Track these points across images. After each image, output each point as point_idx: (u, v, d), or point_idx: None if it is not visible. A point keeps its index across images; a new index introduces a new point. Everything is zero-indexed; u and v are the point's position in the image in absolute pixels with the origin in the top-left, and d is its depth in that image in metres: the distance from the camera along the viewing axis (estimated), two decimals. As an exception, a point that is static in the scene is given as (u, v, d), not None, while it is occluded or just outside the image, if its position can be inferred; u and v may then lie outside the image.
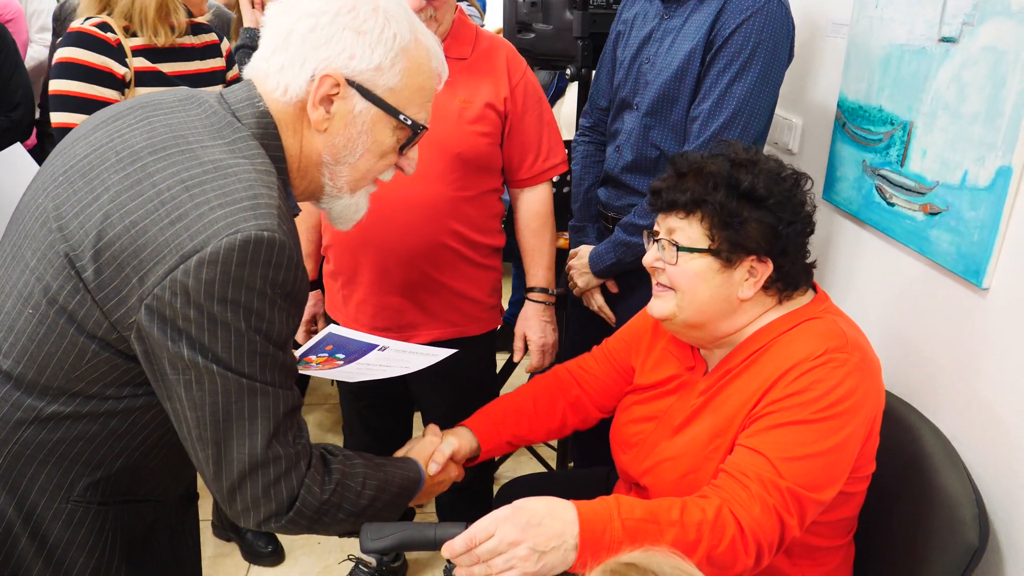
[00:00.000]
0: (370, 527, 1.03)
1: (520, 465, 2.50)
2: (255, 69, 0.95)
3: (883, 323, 1.46)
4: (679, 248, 1.12)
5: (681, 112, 1.58)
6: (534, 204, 1.67)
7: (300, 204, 1.67)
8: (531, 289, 1.71)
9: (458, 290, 1.62)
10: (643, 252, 1.59)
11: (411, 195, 1.52)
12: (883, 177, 1.45)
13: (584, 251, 1.78)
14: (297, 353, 1.32)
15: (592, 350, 1.46)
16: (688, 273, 1.12)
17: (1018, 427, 1.15)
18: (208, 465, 0.90)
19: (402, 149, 1.01)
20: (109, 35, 1.64)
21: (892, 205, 1.42)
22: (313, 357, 1.29)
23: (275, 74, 0.93)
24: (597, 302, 1.78)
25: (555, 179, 1.73)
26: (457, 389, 1.72)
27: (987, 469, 1.20)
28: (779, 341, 1.11)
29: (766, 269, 1.11)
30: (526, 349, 1.75)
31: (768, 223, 1.09)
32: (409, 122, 0.97)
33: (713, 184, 1.10)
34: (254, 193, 0.85)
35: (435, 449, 1.23)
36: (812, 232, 1.16)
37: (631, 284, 1.73)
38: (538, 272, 1.70)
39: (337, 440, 2.61)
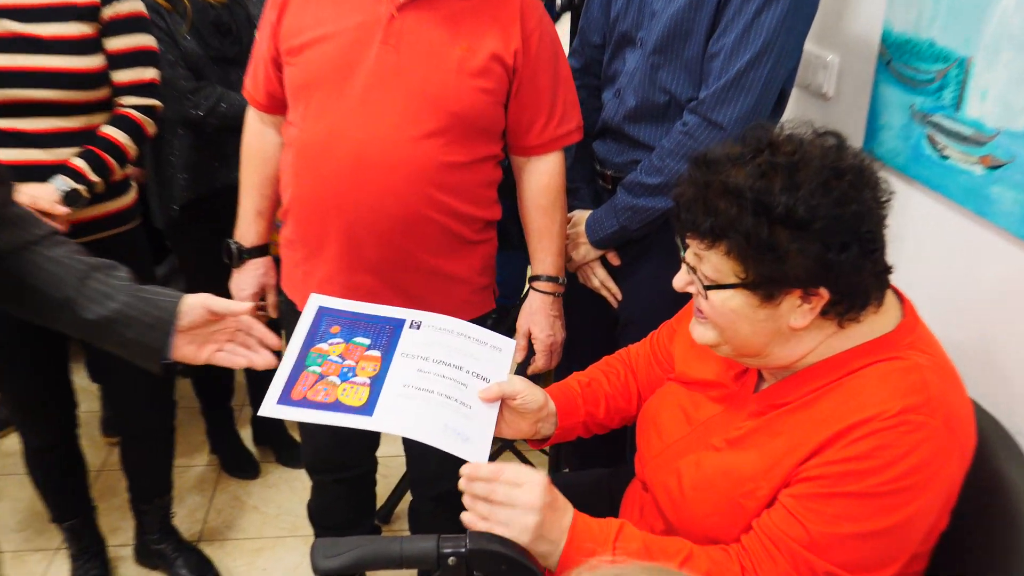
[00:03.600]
0: (323, 543, 1.02)
1: (505, 474, 2.50)
2: None
3: (934, 299, 1.42)
4: (706, 287, 1.09)
5: (696, 48, 1.57)
6: (544, 176, 1.64)
7: (252, 156, 1.69)
8: (537, 277, 1.69)
9: (443, 269, 1.60)
10: (651, 216, 1.62)
11: (393, 155, 1.49)
12: (935, 124, 1.44)
13: (580, 217, 1.77)
14: (292, 349, 1.25)
15: (646, 338, 1.46)
16: (722, 310, 1.09)
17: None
18: None
19: None
20: None
21: (945, 158, 1.41)
22: (324, 346, 1.23)
23: None
24: (599, 276, 1.78)
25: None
26: None
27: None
28: (848, 381, 1.07)
29: (820, 298, 1.05)
30: (530, 348, 1.73)
31: (813, 253, 1.02)
32: None
33: (738, 207, 1.03)
34: None
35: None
36: (879, 250, 1.07)
37: (636, 255, 1.73)
38: (546, 258, 1.68)
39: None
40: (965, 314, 1.40)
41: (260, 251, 1.76)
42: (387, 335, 1.27)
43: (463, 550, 1.04)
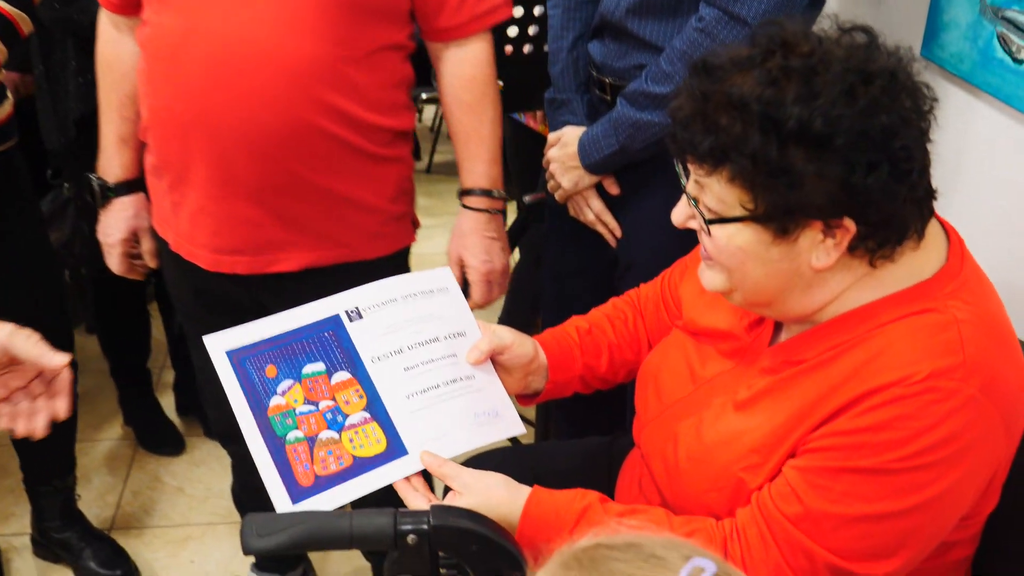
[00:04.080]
0: (256, 519, 1.01)
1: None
2: None
3: (998, 234, 1.42)
4: (708, 221, 1.06)
5: (717, -78, 1.49)
6: (465, 66, 1.59)
7: (108, 70, 1.64)
8: (468, 192, 1.65)
9: (342, 193, 1.55)
10: (659, 135, 1.59)
11: (267, 53, 1.43)
12: (1010, 21, 1.39)
13: (571, 135, 1.73)
14: (248, 429, 1.18)
15: (659, 276, 1.45)
16: (728, 249, 1.07)
17: None
18: None
19: None
20: None
21: (1021, 62, 1.37)
22: (280, 401, 1.17)
23: None
24: (594, 209, 1.74)
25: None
26: None
27: None
28: (875, 337, 1.05)
29: (845, 231, 1.03)
30: (465, 281, 1.68)
31: (834, 176, 0.99)
32: None
33: (742, 122, 1.00)
34: None
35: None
36: (916, 171, 1.02)
37: (640, 183, 1.69)
38: (476, 166, 1.63)
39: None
40: (1038, 252, 1.38)
41: (128, 187, 1.68)
42: (334, 345, 1.24)
43: (425, 527, 1.04)
